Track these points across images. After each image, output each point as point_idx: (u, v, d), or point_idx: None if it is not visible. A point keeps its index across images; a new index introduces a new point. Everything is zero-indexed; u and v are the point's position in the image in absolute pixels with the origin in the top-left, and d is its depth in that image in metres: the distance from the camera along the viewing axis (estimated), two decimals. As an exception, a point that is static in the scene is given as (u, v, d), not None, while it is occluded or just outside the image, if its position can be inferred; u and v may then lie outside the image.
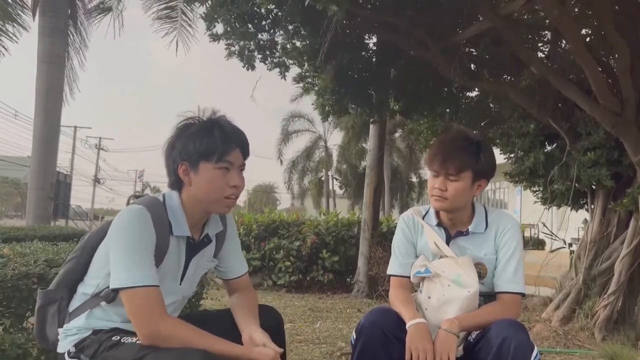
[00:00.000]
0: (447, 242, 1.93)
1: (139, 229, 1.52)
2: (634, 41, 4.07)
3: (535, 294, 5.71)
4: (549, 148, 5.05)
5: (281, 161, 29.87)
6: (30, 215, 10.85)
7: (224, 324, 1.68)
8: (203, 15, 4.05)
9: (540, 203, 5.17)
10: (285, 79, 4.65)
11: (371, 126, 7.19)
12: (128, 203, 1.67)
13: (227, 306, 1.81)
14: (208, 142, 1.58)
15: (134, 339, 1.51)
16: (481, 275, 1.88)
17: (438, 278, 1.87)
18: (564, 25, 3.73)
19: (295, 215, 7.95)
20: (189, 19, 11.59)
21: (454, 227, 1.95)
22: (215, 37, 4.26)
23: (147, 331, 1.47)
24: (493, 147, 4.21)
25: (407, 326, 1.74)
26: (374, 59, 5.16)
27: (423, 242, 1.97)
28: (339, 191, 33.03)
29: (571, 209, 5.02)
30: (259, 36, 4.35)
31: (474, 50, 4.99)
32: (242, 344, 1.59)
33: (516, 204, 19.01)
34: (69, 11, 11.74)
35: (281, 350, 1.57)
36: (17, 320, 2.12)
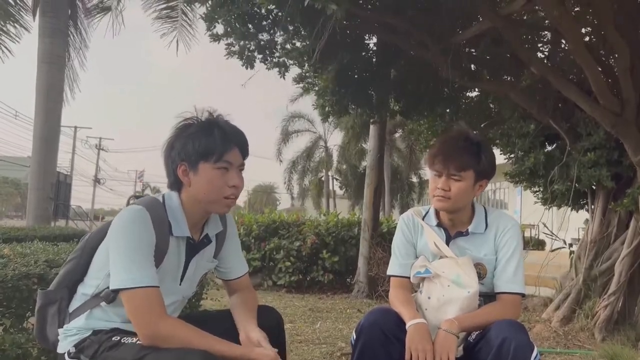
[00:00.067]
0: (447, 243, 1.93)
1: (139, 229, 1.52)
2: (634, 41, 4.07)
3: (535, 294, 5.71)
4: (549, 148, 5.05)
5: (280, 161, 29.88)
6: (30, 216, 10.85)
7: (224, 325, 1.68)
8: (203, 15, 4.05)
9: (540, 203, 5.17)
10: (284, 79, 4.65)
11: (371, 126, 7.19)
12: (128, 203, 1.67)
13: (227, 306, 1.81)
14: (207, 142, 1.58)
15: (134, 340, 1.51)
16: (481, 276, 1.88)
17: (438, 278, 1.87)
18: (564, 26, 3.73)
19: (296, 215, 7.95)
20: (188, 19, 11.61)
21: (453, 228, 1.95)
22: (215, 38, 4.26)
23: (147, 331, 1.47)
24: (493, 148, 4.23)
25: (407, 326, 1.74)
26: (374, 60, 5.16)
27: (423, 242, 1.97)
28: (339, 191, 33.05)
29: (571, 210, 5.02)
30: (259, 36, 4.35)
31: (474, 51, 4.99)
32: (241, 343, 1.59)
33: (516, 205, 19.00)
34: (69, 11, 11.75)
35: (276, 350, 1.57)
36: (17, 321, 2.12)
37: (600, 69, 4.28)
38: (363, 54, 5.06)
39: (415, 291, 1.99)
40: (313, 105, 5.29)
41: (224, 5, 3.91)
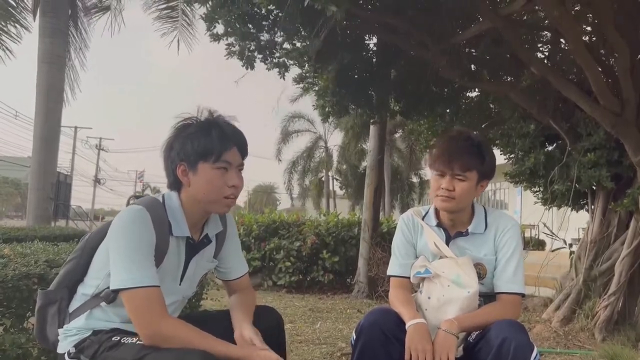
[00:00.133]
0: (447, 243, 1.93)
1: (139, 229, 1.52)
2: (634, 41, 4.07)
3: (535, 295, 5.71)
4: (549, 148, 5.05)
5: (279, 160, 29.88)
6: (30, 216, 10.86)
7: (223, 325, 1.68)
8: (203, 15, 4.05)
9: (540, 203, 5.17)
10: (284, 79, 4.65)
11: (371, 127, 7.19)
12: (128, 203, 1.67)
13: (227, 307, 1.81)
14: (206, 142, 1.58)
15: (134, 340, 1.51)
16: (481, 276, 1.88)
17: (438, 278, 1.87)
18: (564, 26, 3.73)
19: (296, 215, 7.95)
20: (188, 19, 11.63)
21: (453, 228, 1.95)
22: (215, 37, 4.26)
23: (148, 331, 1.47)
24: (493, 148, 4.22)
25: (406, 326, 1.74)
26: (374, 60, 5.16)
27: (423, 242, 1.97)
28: (339, 192, 33.05)
29: (571, 210, 5.02)
30: (259, 36, 4.35)
31: (474, 51, 4.99)
32: None
33: (516, 205, 19.00)
34: (69, 11, 11.76)
35: (267, 349, 1.56)
36: (17, 321, 2.12)
37: (600, 69, 4.28)
38: (363, 54, 5.06)
39: (415, 291, 1.99)
40: (313, 105, 5.29)
41: (224, 6, 3.91)
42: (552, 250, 5.35)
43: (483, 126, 5.64)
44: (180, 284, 1.69)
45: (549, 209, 5.06)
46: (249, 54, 4.35)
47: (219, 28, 4.16)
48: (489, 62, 5.01)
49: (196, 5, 4.13)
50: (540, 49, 5.36)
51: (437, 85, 5.29)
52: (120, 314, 1.59)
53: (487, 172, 1.89)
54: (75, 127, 37.50)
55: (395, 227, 2.11)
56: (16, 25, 11.15)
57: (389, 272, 2.01)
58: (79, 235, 7.27)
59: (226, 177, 1.60)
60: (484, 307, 1.85)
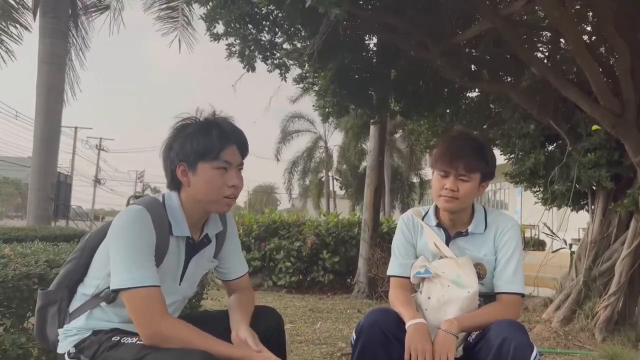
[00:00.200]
0: (447, 243, 1.93)
1: (139, 229, 1.52)
2: (634, 42, 4.07)
3: (533, 295, 5.70)
4: (549, 149, 5.05)
5: (277, 159, 29.87)
6: (30, 216, 10.86)
7: (223, 325, 1.68)
8: (203, 15, 4.05)
9: (540, 204, 5.17)
10: (285, 81, 4.65)
11: (371, 127, 7.19)
12: (128, 203, 1.67)
13: (227, 307, 1.81)
14: (205, 142, 1.58)
15: (134, 340, 1.51)
16: (481, 276, 1.88)
17: (438, 278, 1.87)
18: (564, 26, 3.73)
19: (296, 215, 7.95)
20: (187, 19, 11.65)
21: (453, 228, 1.95)
22: (215, 37, 4.26)
23: (149, 331, 1.47)
24: (493, 148, 4.22)
25: (406, 326, 1.74)
26: (374, 60, 5.16)
27: (423, 242, 1.97)
28: (339, 192, 33.03)
29: (571, 210, 5.02)
30: (260, 37, 4.35)
31: (474, 51, 4.99)
32: None
33: (517, 205, 19.01)
34: (70, 12, 11.77)
35: (263, 348, 1.56)
36: (17, 321, 2.12)
37: (600, 70, 4.28)
38: (363, 54, 5.07)
39: (415, 291, 1.99)
40: (313, 105, 5.29)
41: (225, 6, 3.91)
42: (553, 252, 5.34)
43: (485, 126, 5.64)
44: (180, 284, 1.68)
45: (549, 209, 5.06)
46: (249, 53, 4.35)
47: (219, 28, 4.17)
48: (489, 62, 5.01)
49: (196, 5, 4.13)
50: (540, 49, 5.36)
51: (438, 86, 5.30)
52: (120, 314, 1.59)
53: (489, 172, 1.89)
54: (76, 127, 37.54)
55: (395, 227, 2.11)
56: (16, 25, 11.17)
57: (389, 272, 2.01)
58: (79, 235, 7.27)
59: (226, 177, 1.60)
60: (484, 307, 1.85)
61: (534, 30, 5.12)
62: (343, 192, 30.72)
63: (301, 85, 5.17)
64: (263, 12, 4.16)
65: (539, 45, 5.32)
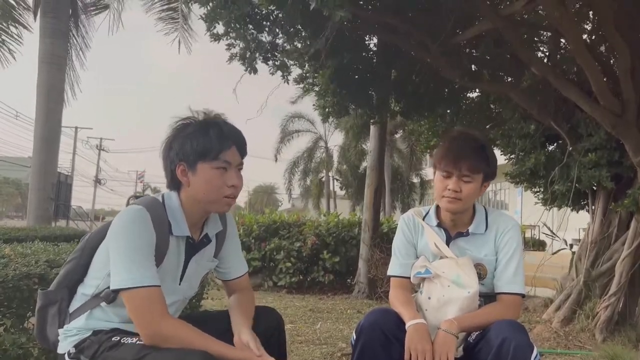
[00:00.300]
0: (447, 243, 1.93)
1: (139, 229, 1.52)
2: (634, 42, 4.07)
3: (531, 295, 5.70)
4: (549, 149, 5.05)
5: (276, 158, 29.87)
6: (31, 216, 10.87)
7: (223, 325, 1.67)
8: (203, 15, 4.05)
9: (541, 204, 5.17)
10: (288, 83, 4.65)
11: (372, 127, 7.19)
12: (128, 203, 1.67)
13: (227, 307, 1.81)
14: (205, 142, 1.58)
15: (134, 340, 1.51)
16: (481, 276, 1.88)
17: (438, 279, 1.87)
18: (564, 26, 3.73)
19: (296, 216, 7.95)
20: (186, 19, 11.67)
21: (454, 228, 1.95)
22: (216, 37, 4.26)
23: (149, 331, 1.47)
24: (494, 148, 4.22)
25: (406, 326, 1.74)
26: (374, 60, 5.16)
27: (423, 242, 1.97)
28: (340, 192, 33.02)
29: (572, 210, 5.02)
30: (260, 37, 4.35)
31: (474, 51, 4.99)
32: None
33: (517, 205, 19.01)
34: (70, 12, 11.78)
35: (263, 352, 1.55)
36: (18, 321, 2.12)
37: (600, 70, 4.27)
38: (363, 54, 5.07)
39: (416, 291, 1.99)
40: (313, 105, 5.29)
41: (225, 7, 3.91)
42: (553, 253, 5.34)
43: (488, 127, 5.63)
44: (180, 284, 1.68)
45: (549, 209, 5.06)
46: (250, 55, 4.35)
47: (219, 28, 4.17)
48: (489, 62, 5.01)
49: (196, 5, 4.13)
50: (541, 49, 5.36)
51: (438, 86, 5.29)
52: (120, 314, 1.58)
53: (491, 172, 1.89)
54: (76, 128, 37.56)
55: (395, 228, 2.11)
56: (17, 25, 11.18)
57: (390, 272, 2.01)
58: (79, 235, 7.28)
59: (225, 176, 1.60)
60: (484, 307, 1.85)
61: (535, 30, 5.12)
62: (343, 192, 30.72)
63: (301, 86, 5.17)
64: (263, 12, 4.15)
65: (539, 45, 5.32)
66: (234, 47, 4.35)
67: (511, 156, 5.28)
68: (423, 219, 2.00)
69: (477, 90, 5.59)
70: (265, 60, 4.50)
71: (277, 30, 4.38)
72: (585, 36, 4.68)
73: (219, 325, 1.66)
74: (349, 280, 7.32)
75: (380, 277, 6.37)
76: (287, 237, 7.24)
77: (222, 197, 1.61)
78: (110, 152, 49.18)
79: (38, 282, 2.11)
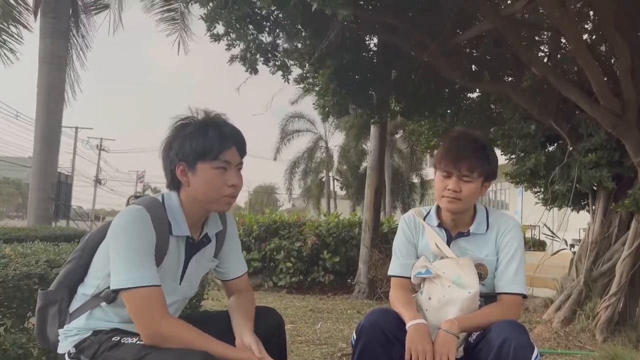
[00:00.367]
0: (448, 243, 1.93)
1: (139, 229, 1.52)
2: (634, 42, 4.07)
3: (531, 295, 5.69)
4: (550, 149, 5.04)
5: (275, 157, 29.90)
6: (31, 216, 10.88)
7: (224, 325, 1.67)
8: (203, 15, 4.05)
9: (541, 204, 5.16)
10: (288, 82, 4.65)
11: (372, 127, 7.19)
12: (127, 203, 1.67)
13: (227, 307, 1.81)
14: (204, 141, 1.57)
15: (134, 340, 1.51)
16: (482, 276, 1.88)
17: (438, 279, 1.87)
18: (565, 27, 3.73)
19: (296, 216, 7.95)
20: (185, 20, 11.69)
21: (455, 228, 1.95)
22: (216, 38, 4.26)
23: (149, 331, 1.47)
24: (494, 148, 4.22)
25: (407, 327, 1.73)
26: (374, 60, 5.16)
27: (424, 242, 1.97)
28: (340, 192, 33.03)
29: (572, 210, 5.01)
30: (260, 38, 4.35)
31: (474, 51, 4.99)
32: None
33: (517, 205, 19.01)
34: (70, 12, 11.79)
35: (265, 355, 1.56)
36: (18, 321, 2.12)
37: (601, 70, 4.27)
38: (364, 54, 5.07)
39: (416, 291, 1.99)
40: (314, 104, 5.29)
41: (225, 7, 3.91)
42: (552, 254, 5.33)
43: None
44: (180, 284, 1.68)
45: (549, 210, 5.06)
46: (251, 57, 4.35)
47: (219, 28, 4.17)
48: (489, 62, 5.01)
49: (196, 6, 4.13)
50: (541, 49, 5.36)
51: (438, 86, 5.29)
52: (120, 314, 1.58)
53: (491, 173, 1.89)
54: (76, 128, 37.58)
55: (396, 228, 2.11)
56: (17, 25, 11.18)
57: (390, 272, 2.01)
58: (79, 235, 7.28)
59: (225, 176, 1.60)
60: (485, 307, 1.85)
61: (535, 30, 5.12)
62: (344, 192, 30.73)
63: (302, 86, 5.17)
64: (263, 12, 4.15)
65: (540, 45, 5.32)
66: (234, 47, 4.35)
67: (511, 156, 5.28)
68: (424, 219, 2.00)
69: (478, 90, 5.59)
70: (266, 62, 4.50)
71: (278, 30, 4.38)
72: (585, 36, 4.68)
73: (219, 326, 1.66)
74: (349, 281, 7.32)
75: (379, 278, 6.37)
76: (287, 237, 7.24)
77: (222, 196, 1.61)
78: (111, 152, 49.23)
79: (38, 282, 2.11)
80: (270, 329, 1.75)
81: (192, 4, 4.25)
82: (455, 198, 1.84)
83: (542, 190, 5.05)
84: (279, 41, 4.49)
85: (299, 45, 4.58)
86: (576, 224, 6.27)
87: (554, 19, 3.78)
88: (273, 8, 3.90)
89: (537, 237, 15.00)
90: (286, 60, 4.54)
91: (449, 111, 5.64)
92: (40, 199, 10.82)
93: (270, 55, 4.48)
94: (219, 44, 4.31)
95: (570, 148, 4.55)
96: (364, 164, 23.47)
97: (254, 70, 4.40)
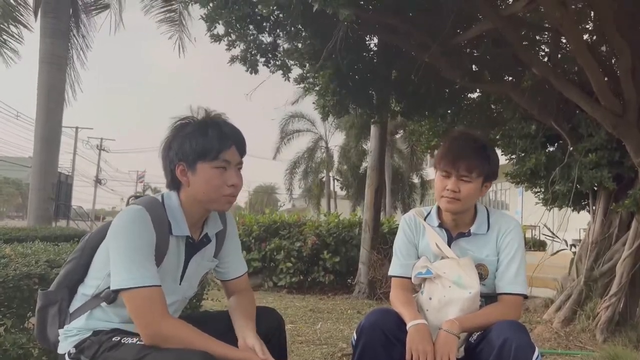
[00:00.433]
0: (449, 243, 1.93)
1: (139, 229, 1.52)
2: (635, 42, 4.07)
3: (530, 295, 5.69)
4: (550, 149, 5.04)
5: (274, 157, 29.92)
6: (31, 216, 10.88)
7: (224, 325, 1.67)
8: (204, 16, 4.05)
9: (541, 204, 5.16)
10: (289, 81, 4.66)
11: (372, 127, 7.19)
12: (127, 203, 1.67)
13: (227, 307, 1.80)
14: (204, 141, 1.57)
15: (134, 340, 1.51)
16: (482, 277, 1.88)
17: (439, 279, 1.87)
18: (565, 27, 3.73)
19: (297, 216, 7.95)
20: (184, 20, 11.69)
21: (456, 228, 1.95)
22: (216, 38, 4.26)
23: (149, 331, 1.47)
24: (494, 148, 4.21)
25: (407, 327, 1.73)
26: (375, 60, 5.16)
27: (424, 243, 1.97)
28: (340, 192, 33.03)
29: (572, 210, 5.01)
30: (261, 38, 4.35)
31: (475, 51, 4.99)
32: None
33: (517, 205, 19.01)
34: (71, 12, 11.79)
35: (268, 356, 1.55)
36: (18, 321, 2.12)
37: (601, 70, 4.27)
38: (364, 54, 5.06)
39: (417, 292, 1.99)
40: (314, 103, 5.29)
41: (225, 7, 3.91)
42: (552, 254, 5.33)
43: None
44: (180, 284, 1.68)
45: (549, 210, 5.06)
46: (252, 57, 4.35)
47: (220, 29, 4.17)
48: (490, 62, 5.01)
49: (196, 6, 4.13)
50: (542, 49, 5.35)
51: (439, 86, 5.29)
52: (120, 314, 1.58)
53: (491, 173, 1.89)
54: (77, 128, 37.59)
55: (396, 228, 2.11)
56: (17, 25, 11.19)
57: (391, 272, 2.01)
58: (79, 235, 7.27)
59: (225, 176, 1.60)
60: (485, 307, 1.85)
61: (535, 30, 5.12)
62: (344, 192, 30.73)
63: (302, 86, 5.17)
64: (264, 12, 4.15)
65: (540, 45, 5.32)
66: (234, 47, 4.35)
67: (512, 156, 5.28)
68: (424, 219, 2.00)
69: (478, 90, 5.59)
70: (267, 63, 4.50)
71: (278, 30, 4.38)
72: (586, 36, 4.68)
73: (219, 326, 1.66)
74: (349, 281, 7.32)
75: (379, 278, 6.37)
76: (288, 237, 7.24)
77: (222, 196, 1.61)
78: (111, 152, 49.20)
79: (38, 282, 2.11)
80: (270, 329, 1.74)
81: (192, 4, 4.24)
82: (454, 198, 1.84)
83: (543, 190, 5.05)
84: (280, 41, 4.49)
85: (299, 46, 4.58)
86: (576, 224, 6.26)
87: (554, 19, 3.78)
88: (273, 8, 3.89)
89: (538, 237, 15.00)
90: (286, 60, 4.54)
91: (449, 111, 5.64)
92: (40, 199, 10.82)
93: (270, 56, 4.48)
94: (219, 45, 4.31)
95: (571, 148, 4.55)
96: (364, 164, 23.47)
97: (255, 71, 4.40)
